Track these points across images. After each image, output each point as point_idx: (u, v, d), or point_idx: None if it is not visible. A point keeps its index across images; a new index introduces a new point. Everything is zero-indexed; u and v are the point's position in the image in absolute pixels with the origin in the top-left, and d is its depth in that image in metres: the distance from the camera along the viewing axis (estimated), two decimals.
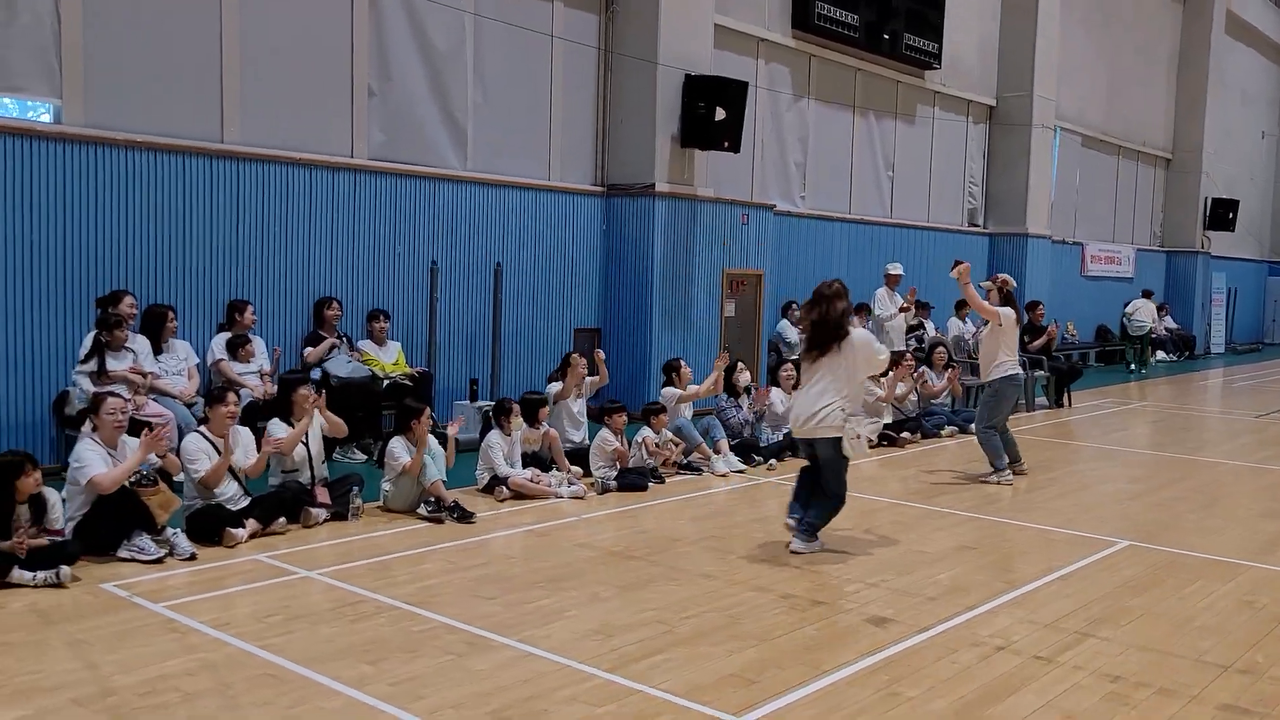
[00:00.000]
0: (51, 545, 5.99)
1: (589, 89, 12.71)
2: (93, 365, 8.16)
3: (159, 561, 6.33)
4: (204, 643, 5.06)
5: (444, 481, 7.74)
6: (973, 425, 12.37)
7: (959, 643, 5.33)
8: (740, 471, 9.65)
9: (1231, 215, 26.80)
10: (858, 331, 7.18)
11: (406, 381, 10.18)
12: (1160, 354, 23.89)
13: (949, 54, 18.04)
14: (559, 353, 12.25)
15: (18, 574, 5.82)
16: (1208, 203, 26.73)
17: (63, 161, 8.49)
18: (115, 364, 8.26)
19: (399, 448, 7.80)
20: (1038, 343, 15.84)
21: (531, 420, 8.89)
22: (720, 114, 12.24)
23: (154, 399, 8.44)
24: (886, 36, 16.42)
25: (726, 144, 12.46)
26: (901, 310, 13.60)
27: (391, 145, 10.82)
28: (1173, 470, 10.68)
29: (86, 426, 7.48)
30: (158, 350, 8.77)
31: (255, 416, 8.65)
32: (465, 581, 6.19)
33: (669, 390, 9.96)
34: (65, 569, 5.90)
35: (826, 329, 6.98)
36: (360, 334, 10.44)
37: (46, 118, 8.62)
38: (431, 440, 7.95)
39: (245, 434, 7.41)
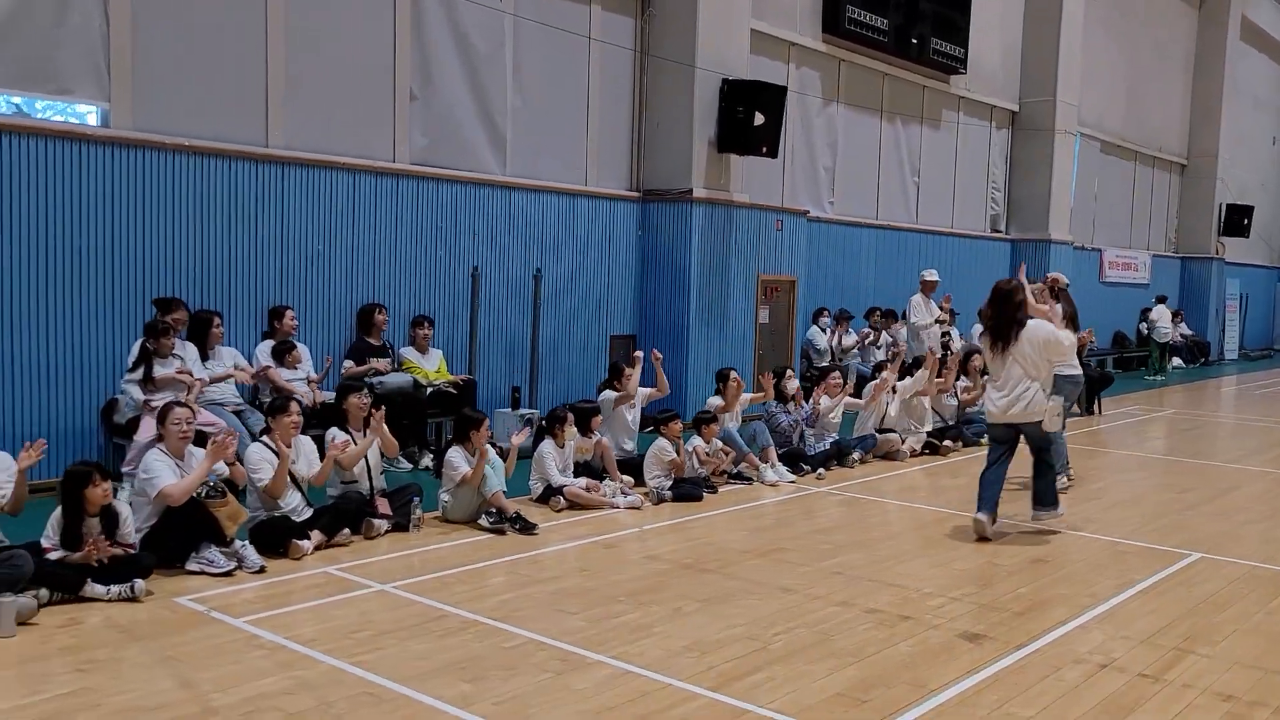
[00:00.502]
0: (126, 557, 5.87)
1: (624, 92, 12.61)
2: (140, 373, 8.03)
3: (228, 574, 6.22)
4: (295, 659, 4.94)
5: (504, 492, 7.63)
6: None
7: (1060, 660, 5.24)
8: (790, 481, 9.55)
9: (1246, 221, 26.80)
10: (1034, 322, 7.71)
11: (450, 390, 10.07)
12: (1176, 360, 23.85)
13: (974, 58, 17.97)
14: (595, 360, 12.19)
15: (91, 588, 5.70)
16: (1222, 209, 26.72)
17: (110, 165, 8.37)
18: (163, 372, 8.14)
19: (458, 458, 7.69)
20: None
21: (584, 429, 8.78)
22: (759, 119, 12.14)
23: (205, 407, 8.32)
24: (914, 41, 16.36)
25: (765, 149, 12.36)
26: (938, 321, 13.50)
27: (433, 149, 10.71)
28: (1222, 479, 10.59)
29: (141, 434, 7.42)
30: (204, 357, 8.64)
31: (305, 425, 8.56)
32: (544, 595, 6.07)
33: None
34: (140, 583, 5.77)
35: (1007, 323, 7.64)
36: (401, 340, 10.32)
37: (93, 120, 8.50)
38: (490, 450, 7.85)
39: (306, 443, 7.30)
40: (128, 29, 8.46)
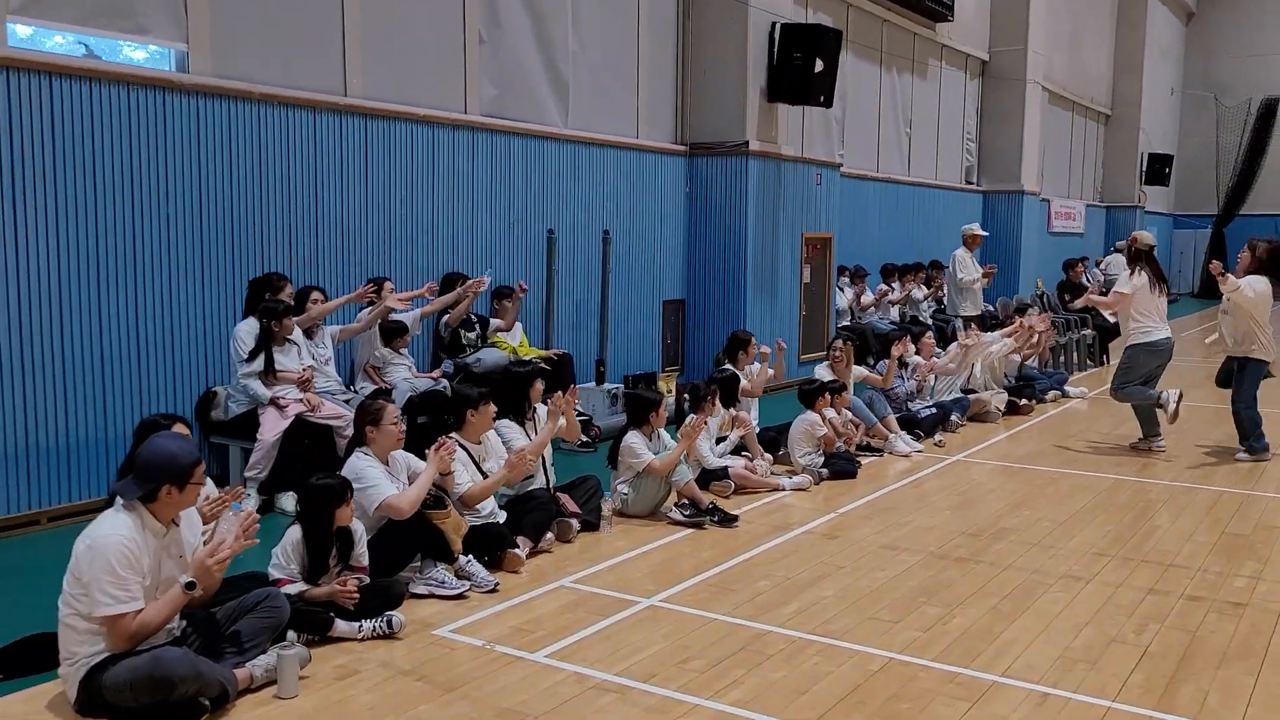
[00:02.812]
0: (374, 586, 4.94)
1: (669, 37, 11.76)
2: (260, 364, 6.94)
3: (461, 596, 5.34)
4: (662, 704, 4.18)
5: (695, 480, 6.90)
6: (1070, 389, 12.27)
7: None
8: (919, 451, 9.07)
9: (1166, 170, 27.67)
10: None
11: (545, 366, 9.17)
12: None
13: (957, 5, 17.69)
14: (651, 328, 11.44)
15: (342, 626, 4.77)
16: (1144, 158, 27.51)
17: (195, 117, 7.15)
18: (283, 360, 7.06)
19: (640, 444, 6.89)
20: (1079, 302, 15.78)
21: (730, 402, 8.07)
22: (819, 65, 11.48)
23: (328, 398, 7.29)
24: None
25: (822, 98, 11.74)
26: (985, 276, 13.18)
27: (500, 101, 9.69)
28: None
29: (266, 432, 6.41)
30: (308, 337, 7.57)
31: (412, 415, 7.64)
32: (835, 599, 5.41)
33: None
34: (398, 617, 4.87)
35: None
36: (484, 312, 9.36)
37: (167, 65, 7.25)
38: (664, 434, 7.10)
39: (493, 440, 6.38)
40: None
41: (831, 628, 5.02)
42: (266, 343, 6.96)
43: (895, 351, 9.79)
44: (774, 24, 11.74)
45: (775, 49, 11.68)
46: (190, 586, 4.04)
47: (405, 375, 8.17)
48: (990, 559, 6.14)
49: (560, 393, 6.63)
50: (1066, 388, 12.32)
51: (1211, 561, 6.11)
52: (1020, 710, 4.15)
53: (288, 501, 6.81)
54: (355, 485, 5.30)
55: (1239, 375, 8.81)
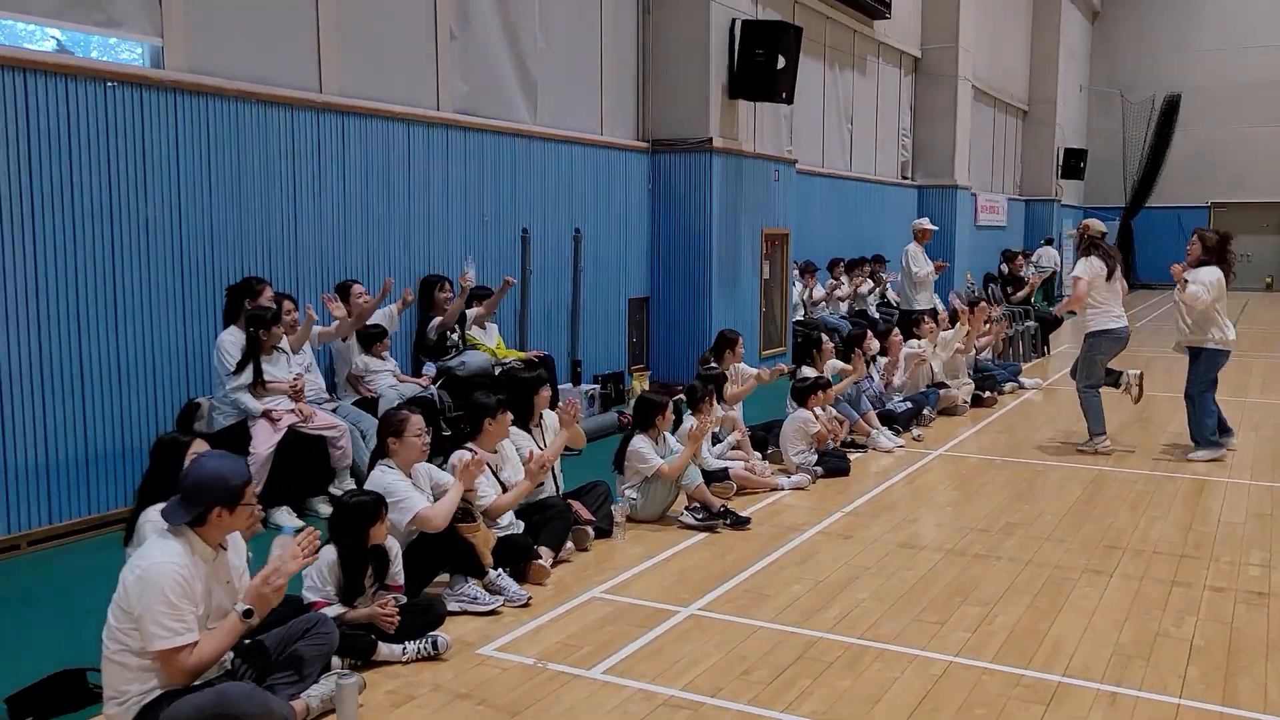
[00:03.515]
0: (414, 606, 4.74)
1: (630, 33, 11.62)
2: (248, 376, 6.63)
3: (494, 612, 5.17)
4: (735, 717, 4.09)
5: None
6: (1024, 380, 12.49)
7: None
8: (901, 446, 9.13)
9: (1081, 164, 28.49)
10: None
11: (525, 367, 8.98)
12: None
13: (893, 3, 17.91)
14: (617, 327, 11.32)
15: (385, 649, 4.56)
16: (1060, 153, 28.27)
17: (171, 114, 6.79)
18: (272, 370, 6.76)
19: (647, 449, 6.77)
20: (1021, 294, 16.19)
21: (720, 401, 8.00)
22: (781, 62, 11.48)
23: (319, 408, 7.01)
24: None
25: (784, 94, 11.73)
26: (937, 269, 13.35)
27: (472, 98, 9.45)
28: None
29: (258, 446, 6.14)
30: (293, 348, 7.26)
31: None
32: (874, 602, 5.38)
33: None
34: (443, 637, 4.68)
35: None
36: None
37: (138, 61, 6.87)
38: (668, 436, 7.00)
39: (508, 448, 6.18)
40: None
41: (880, 632, 4.98)
42: (255, 353, 6.64)
43: (868, 348, 9.85)
44: (734, 21, 11.69)
45: (736, 46, 11.63)
46: (248, 615, 3.81)
47: (391, 382, 7.91)
48: (1009, 555, 6.18)
49: (574, 399, 6.48)
50: (1021, 379, 12.55)
51: (1220, 551, 6.25)
52: (1096, 712, 4.16)
53: (282, 517, 6.53)
54: (387, 500, 5.09)
55: (1192, 365, 8.84)
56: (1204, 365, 8.69)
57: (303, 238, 7.76)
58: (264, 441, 6.54)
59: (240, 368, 6.62)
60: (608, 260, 11.24)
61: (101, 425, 6.48)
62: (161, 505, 4.07)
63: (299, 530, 4.03)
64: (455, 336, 8.69)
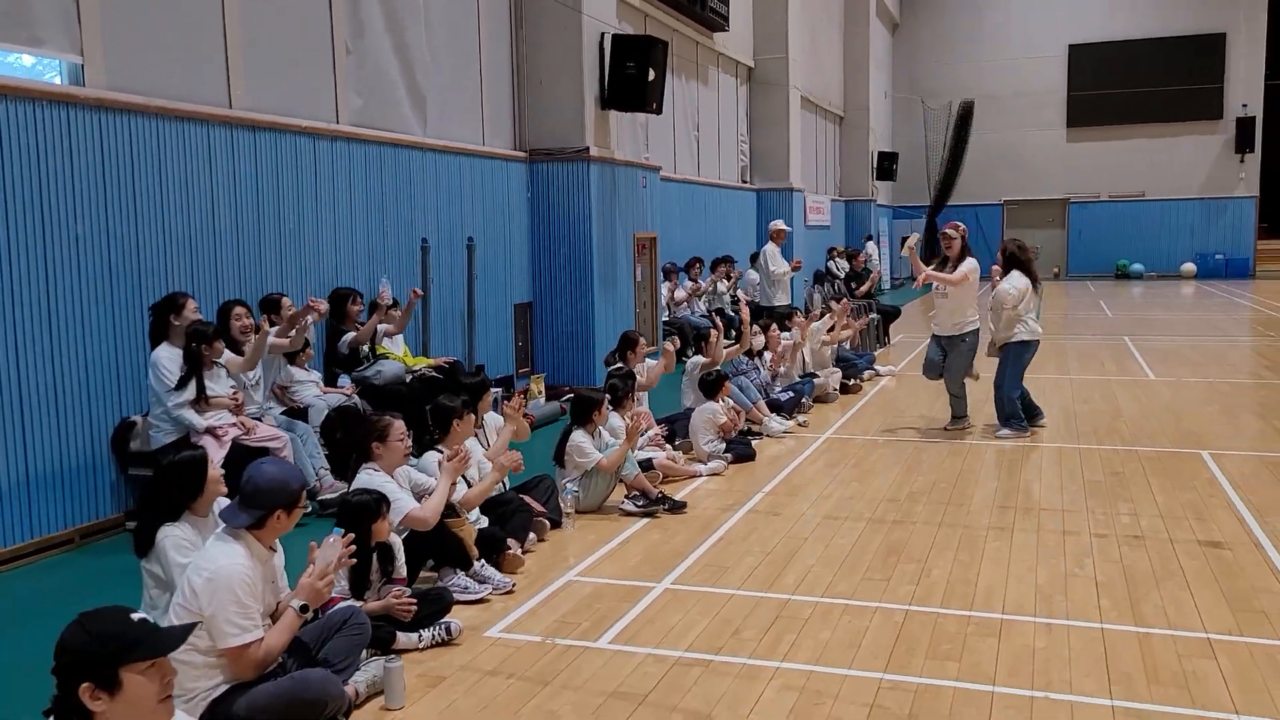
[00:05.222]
0: (425, 596, 5.03)
1: (503, 45, 11.96)
2: (191, 392, 6.67)
3: (483, 600, 5.51)
4: (749, 670, 4.60)
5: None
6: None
7: None
8: (787, 432, 9.86)
9: (893, 166, 30.43)
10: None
11: (435, 375, 9.22)
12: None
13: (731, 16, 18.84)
14: (503, 329, 11.65)
15: (403, 638, 4.85)
16: (874, 156, 30.13)
17: (96, 132, 6.76)
18: (214, 386, 6.82)
19: (586, 443, 7.20)
20: (864, 288, 17.36)
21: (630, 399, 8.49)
22: (652, 75, 12.07)
23: (261, 421, 7.09)
24: None
25: (655, 105, 12.33)
26: (794, 268, 14.25)
27: (366, 110, 9.61)
28: (1136, 390, 12.26)
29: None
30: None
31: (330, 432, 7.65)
32: (822, 567, 5.98)
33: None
34: (456, 623, 5.00)
35: None
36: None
37: (57, 79, 6.79)
38: (603, 430, 7.44)
39: (472, 445, 6.48)
40: None
41: (838, 590, 5.60)
42: (196, 368, 6.69)
43: (749, 341, 10.60)
44: (603, 35, 12.20)
45: (607, 59, 12.14)
46: (304, 609, 4.05)
47: (315, 393, 8.04)
48: (921, 519, 6.93)
49: (520, 395, 6.85)
50: (876, 366, 13.58)
51: (1093, 505, 7.19)
52: (1039, 639, 4.89)
53: None
54: None
55: (1002, 358, 9.60)
56: (1012, 356, 9.50)
57: (223, 252, 7.79)
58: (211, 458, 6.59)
59: (183, 383, 6.66)
60: (494, 267, 11.55)
61: (41, 447, 6.40)
62: (173, 523, 4.33)
63: (344, 532, 4.28)
64: (365, 348, 8.86)
